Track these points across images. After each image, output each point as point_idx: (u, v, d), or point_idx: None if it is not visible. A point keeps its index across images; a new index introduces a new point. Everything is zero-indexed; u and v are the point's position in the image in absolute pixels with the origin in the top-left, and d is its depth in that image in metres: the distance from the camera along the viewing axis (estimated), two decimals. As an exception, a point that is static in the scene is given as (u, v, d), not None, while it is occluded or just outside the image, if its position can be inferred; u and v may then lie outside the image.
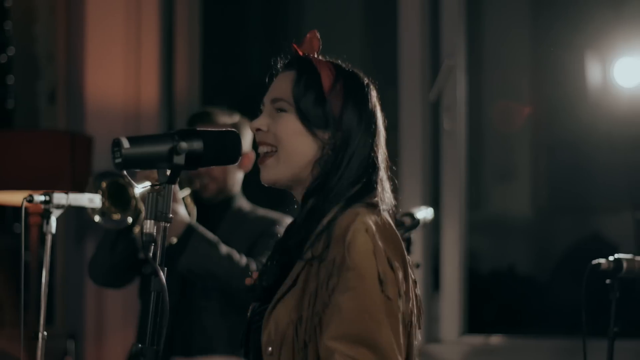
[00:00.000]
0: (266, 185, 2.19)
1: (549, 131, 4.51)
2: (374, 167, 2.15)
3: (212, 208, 3.77)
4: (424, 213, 3.21)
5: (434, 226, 4.30)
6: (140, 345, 1.95)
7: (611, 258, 2.89)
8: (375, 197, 2.12)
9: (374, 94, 2.20)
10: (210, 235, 3.54)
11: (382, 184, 2.15)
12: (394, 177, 2.22)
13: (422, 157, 4.37)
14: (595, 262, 2.87)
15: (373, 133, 2.16)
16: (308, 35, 2.22)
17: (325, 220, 2.07)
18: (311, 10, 5.05)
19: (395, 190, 2.20)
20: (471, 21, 4.43)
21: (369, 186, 2.12)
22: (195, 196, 3.74)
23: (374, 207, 2.09)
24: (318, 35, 2.22)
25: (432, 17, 4.41)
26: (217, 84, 5.00)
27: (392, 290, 2.00)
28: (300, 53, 2.21)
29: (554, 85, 4.41)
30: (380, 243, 2.02)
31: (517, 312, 4.40)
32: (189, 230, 3.51)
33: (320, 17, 5.00)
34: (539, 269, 4.50)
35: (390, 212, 2.14)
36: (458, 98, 4.34)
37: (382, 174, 2.17)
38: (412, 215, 3.13)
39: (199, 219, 3.65)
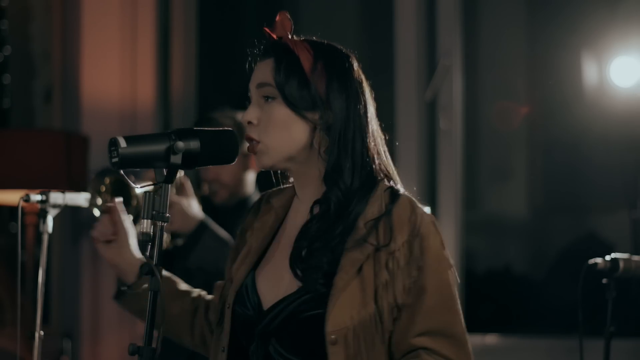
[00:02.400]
0: (262, 170, 2.20)
1: (545, 131, 4.51)
2: (375, 142, 2.15)
3: (228, 212, 3.73)
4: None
5: (430, 226, 4.29)
6: (137, 345, 1.95)
7: (608, 257, 2.89)
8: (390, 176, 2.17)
9: (355, 64, 2.18)
10: (222, 232, 3.52)
11: (388, 160, 2.19)
12: (389, 146, 2.23)
13: (418, 156, 4.37)
14: (591, 261, 2.87)
15: (364, 105, 2.15)
16: (278, 17, 2.21)
17: (371, 209, 2.09)
18: (306, 10, 5.04)
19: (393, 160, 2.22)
20: (467, 21, 4.43)
21: (383, 166, 2.16)
22: (207, 201, 3.70)
23: (404, 193, 2.15)
24: (288, 15, 2.21)
25: (428, 16, 4.41)
26: (213, 83, 4.99)
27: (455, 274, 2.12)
28: (274, 37, 2.19)
29: (550, 85, 4.41)
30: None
31: (514, 312, 4.40)
32: (202, 226, 3.49)
33: (316, 17, 5.00)
34: (535, 268, 4.50)
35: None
36: (454, 98, 4.35)
37: (382, 146, 2.19)
38: (408, 215, 3.12)
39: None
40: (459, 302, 2.09)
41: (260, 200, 2.32)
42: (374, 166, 2.14)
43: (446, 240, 4.39)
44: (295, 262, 2.10)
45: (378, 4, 4.68)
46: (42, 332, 2.86)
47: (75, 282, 4.70)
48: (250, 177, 3.77)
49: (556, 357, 4.05)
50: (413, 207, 2.09)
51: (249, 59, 2.21)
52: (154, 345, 1.95)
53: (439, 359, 2.03)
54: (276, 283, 2.13)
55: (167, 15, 4.95)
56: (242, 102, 2.29)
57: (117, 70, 4.79)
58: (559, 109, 4.37)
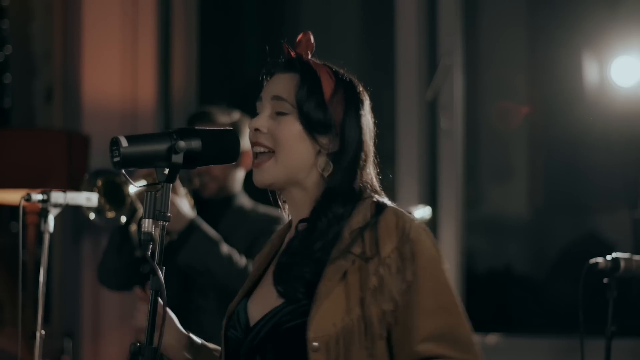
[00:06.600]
0: (260, 187, 2.18)
1: (546, 130, 4.51)
2: (367, 162, 2.18)
3: (213, 206, 3.77)
4: (421, 212, 3.21)
5: (431, 225, 4.30)
6: (138, 344, 1.95)
7: (608, 257, 2.89)
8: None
9: (367, 101, 2.21)
10: (212, 232, 3.54)
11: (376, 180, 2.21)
12: (383, 169, 2.24)
13: (419, 156, 4.37)
14: (592, 261, 2.87)
15: (372, 137, 2.20)
16: (302, 36, 2.21)
17: (356, 218, 2.09)
18: (308, 9, 5.05)
19: (385, 183, 2.23)
20: (468, 20, 4.43)
21: (374, 187, 2.18)
22: (195, 194, 3.74)
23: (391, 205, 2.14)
24: (312, 37, 2.22)
25: (429, 16, 4.41)
26: (214, 83, 5.00)
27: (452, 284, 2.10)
28: (292, 54, 2.20)
29: (551, 84, 4.41)
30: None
31: (514, 311, 4.40)
32: (192, 226, 3.52)
33: (317, 16, 5.00)
34: (536, 268, 4.50)
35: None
36: (455, 97, 4.35)
37: (375, 168, 2.21)
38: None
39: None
40: (460, 303, 2.07)
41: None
42: (367, 190, 2.16)
43: (447, 240, 4.40)
44: (278, 277, 2.10)
45: (379, 3, 4.67)
46: (43, 332, 2.87)
47: (76, 281, 4.71)
48: (240, 175, 3.81)
49: (557, 357, 4.05)
50: (399, 215, 2.08)
51: (264, 70, 2.21)
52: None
53: None
54: (263, 302, 2.13)
55: (167, 15, 4.95)
56: (243, 102, 2.29)
57: (118, 70, 4.79)
58: (559, 109, 4.37)
